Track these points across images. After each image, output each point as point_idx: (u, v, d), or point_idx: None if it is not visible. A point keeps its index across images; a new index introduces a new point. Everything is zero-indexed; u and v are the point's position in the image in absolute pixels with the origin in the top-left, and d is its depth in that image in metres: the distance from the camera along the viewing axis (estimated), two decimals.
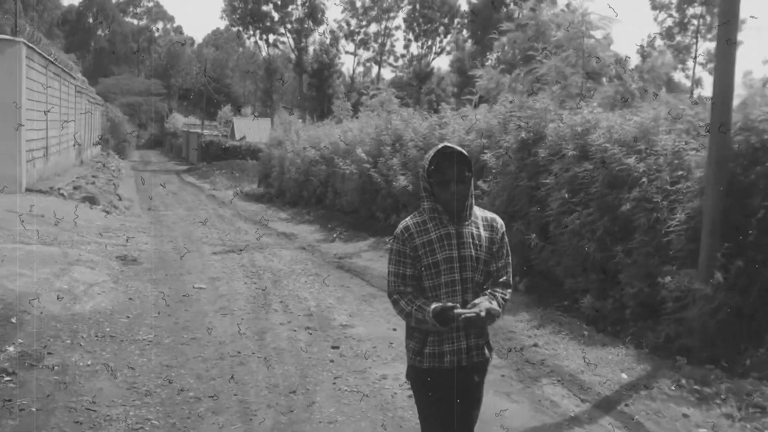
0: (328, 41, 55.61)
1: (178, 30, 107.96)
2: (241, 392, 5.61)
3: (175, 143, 63.04)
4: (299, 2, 57.30)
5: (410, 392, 3.67)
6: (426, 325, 3.10)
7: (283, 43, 60.17)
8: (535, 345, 7.15)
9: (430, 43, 66.14)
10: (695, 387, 5.73)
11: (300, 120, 26.93)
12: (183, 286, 9.50)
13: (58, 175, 22.37)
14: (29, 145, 17.86)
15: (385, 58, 67.81)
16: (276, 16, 58.12)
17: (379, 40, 65.98)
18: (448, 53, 65.96)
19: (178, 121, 69.65)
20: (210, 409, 5.25)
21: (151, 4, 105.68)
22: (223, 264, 11.25)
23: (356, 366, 6.38)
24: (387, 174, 14.59)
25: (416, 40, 65.63)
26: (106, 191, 20.78)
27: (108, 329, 7.20)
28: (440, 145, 3.17)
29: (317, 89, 50.29)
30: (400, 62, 68.40)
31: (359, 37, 64.85)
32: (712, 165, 6.57)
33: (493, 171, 10.42)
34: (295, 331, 7.49)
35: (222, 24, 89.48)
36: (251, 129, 51.53)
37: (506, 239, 3.34)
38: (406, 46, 66.30)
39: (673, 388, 5.80)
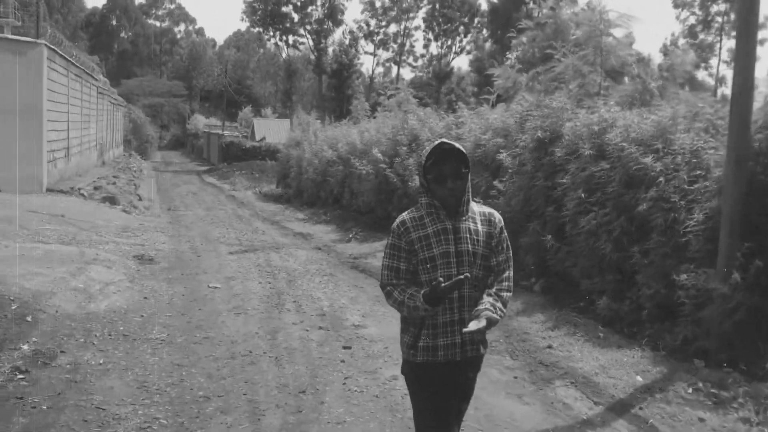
0: (347, 42, 55.64)
1: (200, 32, 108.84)
2: (251, 392, 5.60)
3: (197, 144, 63.50)
4: (318, 3, 57.40)
5: None
6: (418, 313, 3.09)
7: (302, 44, 60.39)
8: (550, 347, 7.06)
9: (449, 42, 66.06)
10: (712, 390, 5.62)
11: (318, 121, 26.94)
12: (198, 285, 9.53)
13: (79, 175, 22.61)
14: (50, 145, 18.07)
15: (404, 58, 67.82)
16: (295, 17, 58.32)
17: (399, 40, 65.94)
18: (468, 53, 65.84)
19: (200, 122, 70.12)
20: (219, 408, 5.24)
21: (173, 6, 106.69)
22: (239, 264, 11.26)
23: (367, 366, 6.34)
24: (403, 174, 14.54)
25: (436, 39, 65.58)
26: (126, 191, 20.95)
27: (121, 328, 7.22)
28: (437, 141, 3.16)
29: (336, 90, 50.33)
30: (420, 62, 68.35)
31: (379, 38, 64.85)
32: (731, 164, 6.44)
33: (510, 171, 10.33)
34: (307, 330, 7.47)
35: (243, 26, 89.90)
36: (271, 130, 51.73)
37: (505, 233, 3.33)
38: (426, 46, 66.36)
39: (689, 391, 5.69)
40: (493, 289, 3.19)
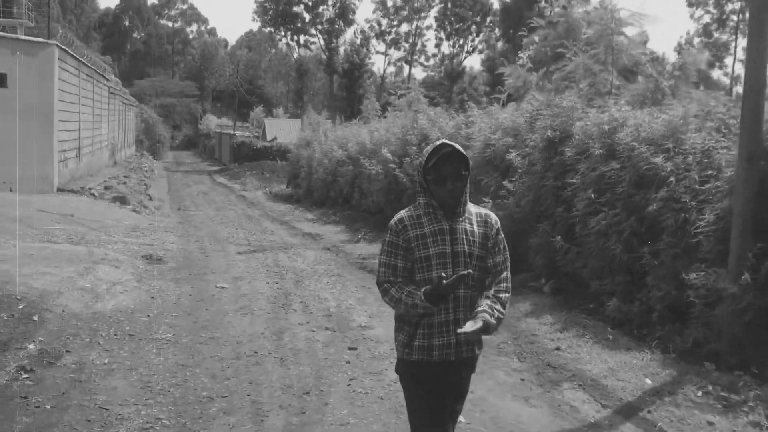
0: (358, 41, 55.62)
1: (212, 32, 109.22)
2: (255, 393, 5.56)
3: (208, 144, 63.70)
4: (330, 3, 57.43)
5: None
6: (416, 311, 3.09)
7: (313, 43, 60.45)
8: (558, 348, 6.98)
9: (461, 41, 65.88)
10: (722, 394, 5.52)
11: (329, 120, 26.92)
12: (206, 285, 9.51)
13: (90, 175, 22.71)
14: (61, 145, 18.14)
15: (416, 57, 67.68)
16: (307, 16, 58.38)
17: (410, 40, 65.83)
18: (480, 52, 65.67)
19: (212, 122, 70.36)
20: (222, 409, 5.20)
21: (185, 7, 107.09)
22: (247, 264, 11.25)
23: (372, 368, 6.29)
24: (412, 174, 14.48)
25: (448, 39, 65.42)
26: (136, 191, 21.02)
27: (127, 328, 7.21)
28: (438, 142, 3.16)
29: (347, 89, 50.34)
30: (432, 62, 68.20)
31: (390, 37, 64.77)
32: (742, 162, 6.33)
33: (519, 170, 10.25)
34: (313, 331, 7.43)
35: (255, 26, 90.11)
36: (282, 130, 51.78)
37: (502, 235, 3.33)
38: (438, 45, 66.20)
39: (699, 394, 5.60)
40: (491, 291, 3.19)
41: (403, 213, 3.26)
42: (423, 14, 65.28)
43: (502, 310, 3.12)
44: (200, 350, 6.63)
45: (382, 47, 65.72)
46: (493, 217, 3.33)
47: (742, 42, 54.25)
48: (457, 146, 3.10)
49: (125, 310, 7.87)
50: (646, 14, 13.35)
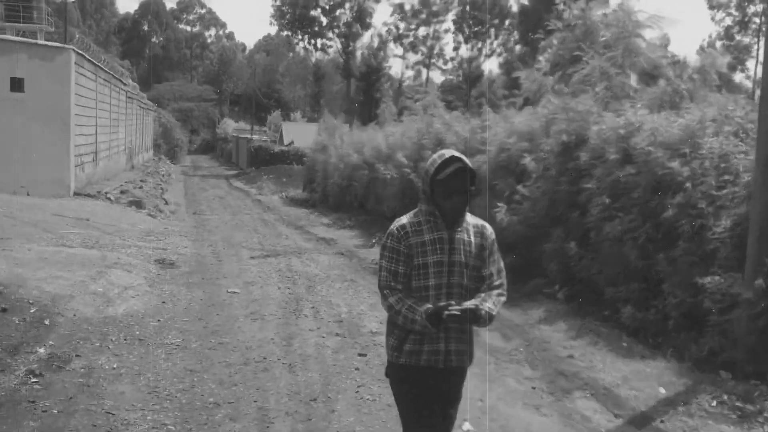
0: (376, 45, 55.59)
1: (230, 36, 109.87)
2: (262, 399, 5.52)
3: (226, 148, 63.96)
4: (347, 6, 57.51)
5: None
6: (414, 326, 3.12)
7: (330, 47, 60.55)
8: (571, 356, 6.88)
9: (480, 45, 65.63)
10: (737, 404, 5.40)
11: (346, 125, 26.89)
12: (217, 290, 9.49)
13: (107, 179, 22.86)
14: (78, 150, 18.28)
15: (434, 61, 67.52)
16: (324, 20, 58.49)
17: (428, 43, 65.71)
18: (499, 55, 65.40)
19: (229, 126, 70.62)
20: (228, 415, 5.16)
21: (204, 11, 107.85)
22: (260, 268, 11.23)
23: (381, 374, 6.17)
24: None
25: (466, 42, 65.20)
26: (152, 195, 21.12)
27: (137, 332, 7.20)
28: (447, 155, 3.19)
29: (365, 93, 50.25)
30: (450, 65, 68.00)
31: (408, 41, 64.68)
32: (760, 166, 6.21)
33: (534, 175, 10.15)
34: (323, 337, 7.37)
35: (273, 30, 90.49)
36: (299, 134, 51.82)
37: (496, 245, 3.40)
38: (456, 48, 65.88)
39: (713, 404, 5.47)
40: (483, 294, 3.25)
41: (404, 219, 3.31)
42: (441, 18, 65.13)
43: (492, 307, 3.17)
44: (209, 355, 6.60)
45: (399, 51, 65.58)
46: (489, 228, 3.40)
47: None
48: (466, 160, 3.15)
49: (136, 315, 7.86)
50: (664, 17, 13.16)
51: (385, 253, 3.26)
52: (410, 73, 70.85)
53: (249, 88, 75.37)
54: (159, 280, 9.79)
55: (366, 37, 59.45)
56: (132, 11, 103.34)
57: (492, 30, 65.01)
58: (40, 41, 20.00)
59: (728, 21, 57.88)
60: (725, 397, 5.54)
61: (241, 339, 7.18)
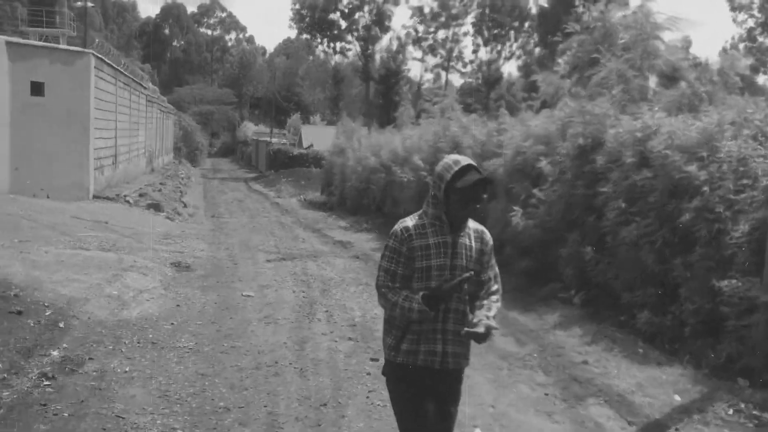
0: (394, 48, 55.62)
1: (251, 40, 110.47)
2: (272, 404, 5.50)
3: (246, 151, 64.28)
4: (366, 9, 57.60)
5: None
6: (411, 315, 3.15)
7: (349, 50, 60.68)
8: (585, 362, 6.80)
9: (499, 47, 65.39)
10: (754, 412, 5.30)
11: (364, 127, 26.89)
12: (232, 293, 9.51)
13: (127, 182, 23.03)
14: (97, 153, 18.44)
15: (453, 63, 67.36)
16: (343, 23, 58.62)
17: (447, 46, 65.57)
18: (518, 58, 65.13)
19: (249, 129, 70.96)
20: (237, 420, 5.15)
21: (224, 15, 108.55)
22: (276, 272, 11.23)
23: None
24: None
25: (485, 44, 64.98)
26: (171, 198, 21.24)
27: (151, 336, 7.22)
28: (464, 162, 3.22)
29: (384, 96, 50.30)
30: (469, 68, 67.80)
31: (427, 44, 64.59)
32: None
33: (550, 179, 10.07)
34: (336, 341, 7.35)
35: (293, 33, 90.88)
36: (319, 137, 51.94)
37: (493, 251, 3.45)
38: (475, 51, 65.64)
39: (730, 412, 5.38)
40: (485, 301, 3.30)
41: (408, 221, 3.32)
42: (460, 20, 65.00)
43: (494, 323, 3.19)
44: (221, 359, 6.60)
45: (418, 54, 65.55)
46: (488, 234, 3.44)
47: None
48: (485, 174, 3.21)
49: (150, 318, 7.89)
50: (682, 18, 13.00)
51: (386, 253, 3.29)
52: (429, 76, 70.84)
53: (269, 92, 75.66)
54: (174, 283, 9.83)
55: (385, 40, 59.23)
56: (153, 15, 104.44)
57: (511, 33, 64.73)
58: (60, 46, 20.23)
59: (750, 23, 57.14)
60: (742, 405, 5.44)
61: (254, 343, 7.18)
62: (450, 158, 3.27)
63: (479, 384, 6.12)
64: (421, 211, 3.34)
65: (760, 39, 55.52)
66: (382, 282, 3.28)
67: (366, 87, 59.62)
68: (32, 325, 6.93)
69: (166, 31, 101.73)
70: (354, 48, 60.21)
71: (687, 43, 13.47)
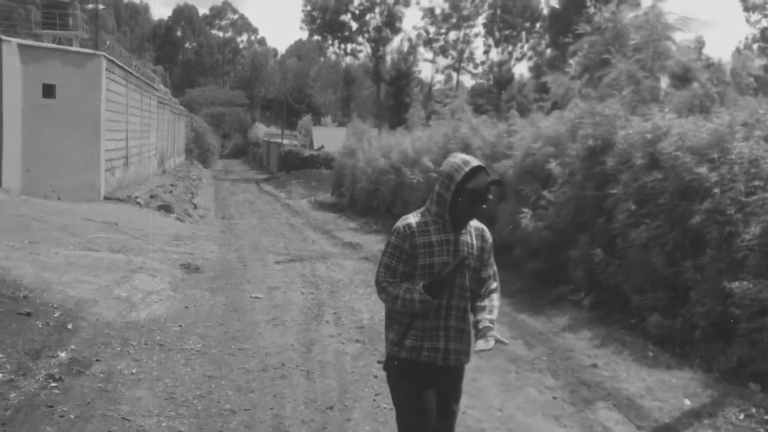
0: (405, 49, 55.58)
1: (262, 41, 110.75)
2: (278, 406, 5.48)
3: (257, 153, 64.41)
4: (377, 11, 57.61)
5: None
6: (413, 306, 3.17)
7: (360, 51, 60.70)
8: (594, 365, 6.74)
9: (510, 48, 65.23)
10: (766, 417, 5.23)
11: (376, 129, 26.88)
12: (241, 295, 9.51)
13: (138, 183, 23.12)
14: (108, 154, 18.52)
15: (464, 65, 67.23)
16: (354, 25, 58.66)
17: (458, 47, 65.46)
18: (530, 59, 64.95)
19: (261, 130, 71.11)
20: (243, 423, 5.14)
21: (236, 17, 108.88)
22: (284, 274, 11.23)
23: None
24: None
25: (497, 45, 64.84)
26: (181, 200, 21.31)
27: (158, 337, 7.23)
28: (474, 163, 3.22)
29: (394, 98, 50.28)
30: (480, 69, 67.65)
31: (438, 45, 64.50)
32: None
33: (559, 180, 10.01)
34: (343, 344, 7.33)
35: (304, 35, 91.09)
36: (330, 138, 51.95)
37: (492, 249, 3.49)
38: (486, 52, 65.49)
39: (740, 417, 5.30)
40: (486, 302, 3.36)
41: (411, 218, 3.34)
42: (471, 21, 64.87)
43: (500, 336, 3.24)
44: (228, 361, 6.59)
45: (429, 55, 65.48)
46: (488, 232, 3.48)
47: None
48: (495, 177, 3.31)
49: (158, 320, 7.90)
50: (694, 19, 12.92)
51: (388, 250, 3.31)
52: (440, 77, 70.72)
53: (280, 93, 75.85)
54: (183, 284, 9.84)
55: (396, 42, 59.22)
56: (165, 18, 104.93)
57: (522, 33, 64.57)
58: (72, 48, 20.34)
59: (764, 23, 56.72)
60: (753, 410, 5.37)
61: (261, 345, 7.17)
62: (458, 157, 3.26)
63: (487, 387, 6.08)
64: (423, 208, 3.35)
65: None
66: (382, 278, 3.29)
67: (377, 88, 59.62)
68: (41, 326, 6.95)
69: (178, 33, 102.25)
70: (365, 49, 60.23)
71: (700, 44, 13.37)
